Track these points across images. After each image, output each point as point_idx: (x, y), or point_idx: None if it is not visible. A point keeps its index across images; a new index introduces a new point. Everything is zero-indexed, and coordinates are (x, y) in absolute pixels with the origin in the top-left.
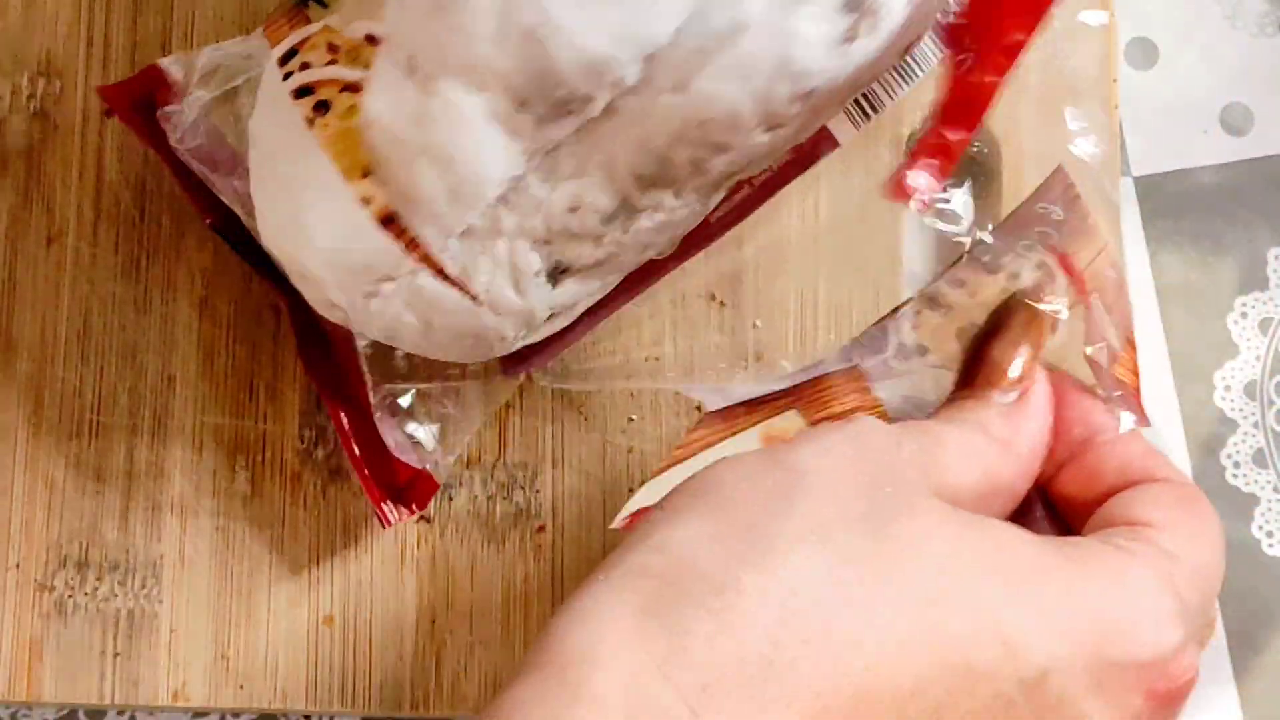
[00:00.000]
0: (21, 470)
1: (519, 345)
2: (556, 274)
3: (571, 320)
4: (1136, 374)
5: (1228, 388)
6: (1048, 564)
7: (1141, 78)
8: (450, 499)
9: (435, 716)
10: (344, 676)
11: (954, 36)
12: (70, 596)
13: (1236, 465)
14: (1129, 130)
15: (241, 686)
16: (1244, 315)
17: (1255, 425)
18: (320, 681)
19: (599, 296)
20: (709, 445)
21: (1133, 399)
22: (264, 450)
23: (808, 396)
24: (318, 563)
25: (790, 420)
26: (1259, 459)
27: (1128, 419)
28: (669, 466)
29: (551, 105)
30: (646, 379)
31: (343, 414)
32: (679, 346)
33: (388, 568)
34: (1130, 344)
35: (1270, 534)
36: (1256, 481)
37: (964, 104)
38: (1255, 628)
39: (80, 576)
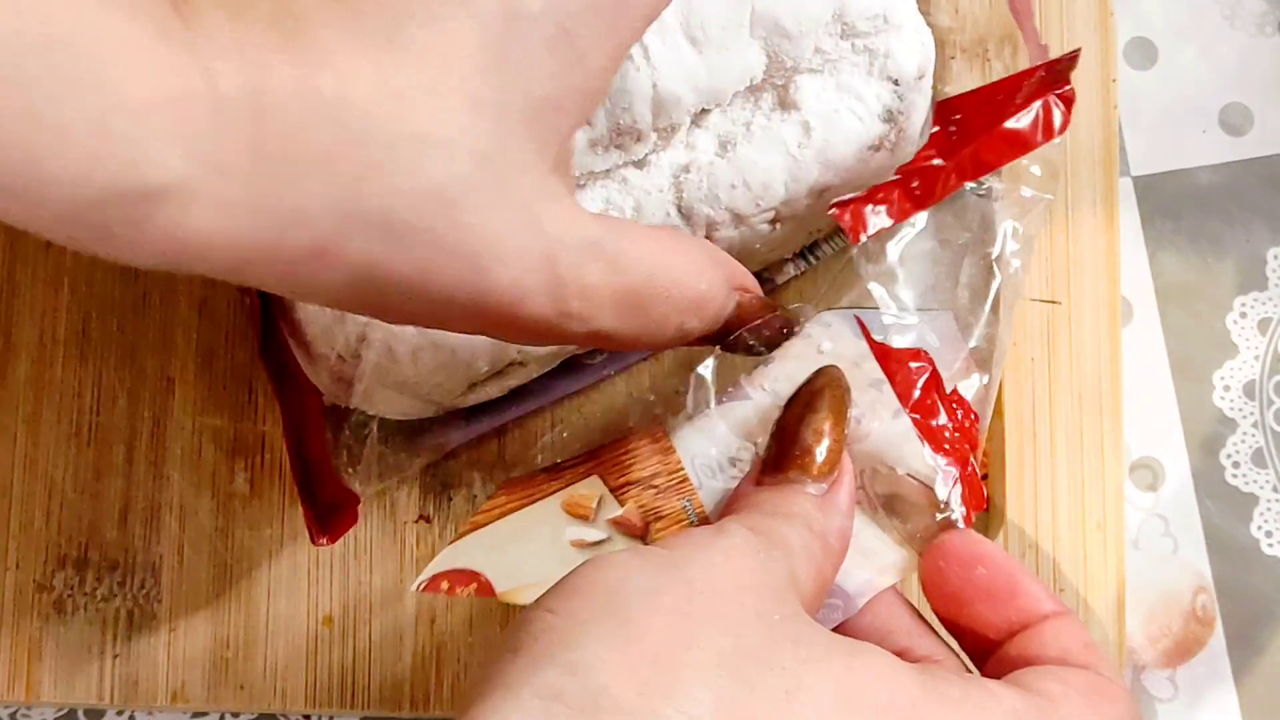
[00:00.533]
0: (21, 471)
1: (467, 397)
2: None
3: (518, 383)
4: (976, 462)
5: (1227, 388)
6: (920, 700)
7: (1140, 77)
8: (449, 499)
9: (435, 717)
10: (343, 677)
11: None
12: (69, 597)
13: (1236, 465)
14: (1128, 130)
15: (241, 687)
16: (1243, 315)
17: (1255, 425)
18: (319, 682)
19: (549, 366)
20: (508, 512)
21: (968, 486)
22: (263, 451)
23: (609, 461)
24: (317, 563)
25: (592, 486)
26: (1258, 458)
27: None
28: (468, 532)
29: (611, 129)
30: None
31: (291, 420)
32: (677, 353)
33: (387, 568)
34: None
35: (1269, 534)
36: (1256, 481)
37: (920, 187)
38: (1254, 627)
39: (79, 577)
